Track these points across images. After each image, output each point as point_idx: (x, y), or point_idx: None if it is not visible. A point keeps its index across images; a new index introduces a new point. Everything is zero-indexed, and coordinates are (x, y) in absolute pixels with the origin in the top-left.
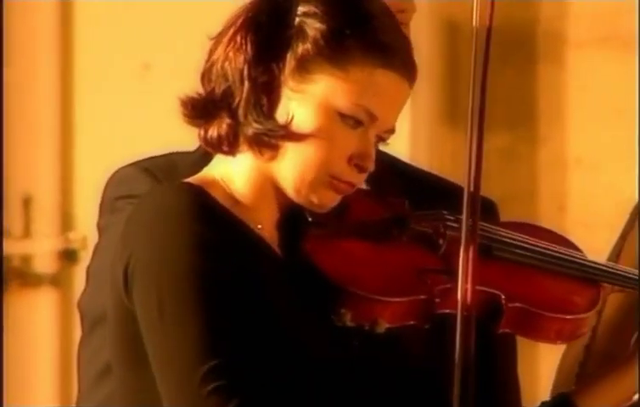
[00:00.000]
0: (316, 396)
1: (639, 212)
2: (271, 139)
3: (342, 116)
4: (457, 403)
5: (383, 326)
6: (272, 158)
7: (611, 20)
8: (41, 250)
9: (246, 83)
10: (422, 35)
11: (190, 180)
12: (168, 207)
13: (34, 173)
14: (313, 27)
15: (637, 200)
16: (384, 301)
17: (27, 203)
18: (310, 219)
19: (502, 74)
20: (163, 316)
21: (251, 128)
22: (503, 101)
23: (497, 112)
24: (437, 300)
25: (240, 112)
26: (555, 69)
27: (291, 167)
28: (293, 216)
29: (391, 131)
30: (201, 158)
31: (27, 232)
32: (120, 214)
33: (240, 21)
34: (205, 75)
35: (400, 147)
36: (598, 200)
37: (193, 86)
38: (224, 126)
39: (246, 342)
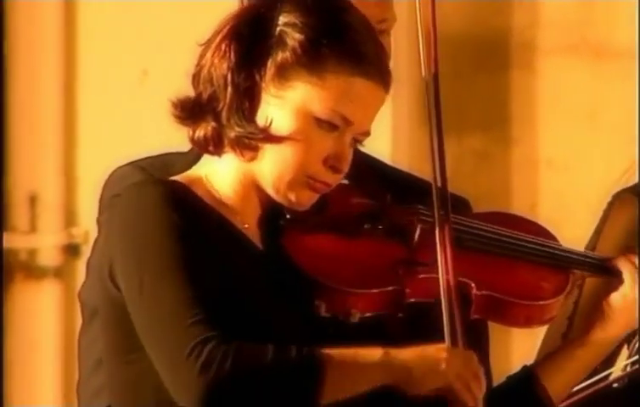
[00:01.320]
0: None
1: None
2: (251, 141)
3: (318, 121)
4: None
5: (356, 316)
6: (253, 158)
7: (580, 29)
8: (45, 245)
9: (229, 88)
10: (402, 42)
11: (176, 177)
12: (147, 198)
13: (39, 172)
14: (292, 37)
15: (605, 199)
16: (357, 293)
17: (33, 200)
18: (288, 216)
19: (477, 79)
20: (143, 293)
21: (233, 131)
22: (478, 104)
23: (472, 115)
24: (408, 290)
25: (224, 115)
26: (527, 75)
27: (270, 168)
28: (273, 213)
29: (366, 133)
30: (196, 158)
31: (33, 228)
32: None
33: (226, 30)
34: (195, 79)
35: (381, 147)
36: (568, 199)
37: (187, 91)
38: (209, 128)
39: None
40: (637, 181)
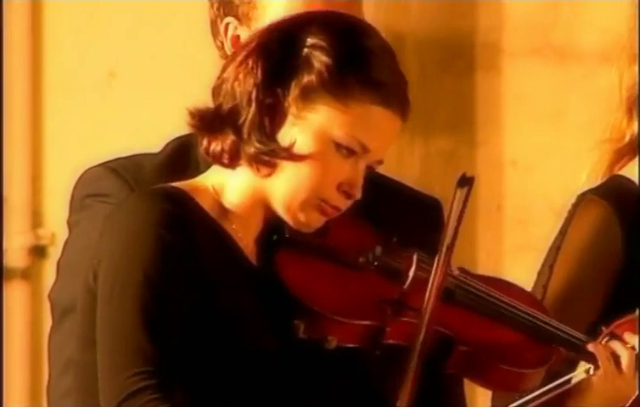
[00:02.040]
0: (262, 398)
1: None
2: (270, 159)
3: (337, 145)
4: None
5: (333, 342)
6: (269, 175)
7: (544, 32)
8: (12, 246)
9: (253, 105)
10: None
11: (179, 184)
12: (139, 209)
13: (6, 175)
14: (319, 60)
15: (569, 200)
16: (339, 321)
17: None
18: (287, 235)
19: (443, 81)
20: (111, 301)
21: (253, 147)
22: (444, 106)
23: (439, 116)
24: (389, 330)
25: (244, 130)
26: (492, 77)
27: (285, 186)
28: (272, 230)
29: (380, 161)
30: (166, 158)
31: None
32: (88, 211)
33: (253, 45)
34: (215, 91)
35: None
36: (532, 200)
37: (154, 94)
38: (228, 141)
39: (187, 344)
40: (600, 182)
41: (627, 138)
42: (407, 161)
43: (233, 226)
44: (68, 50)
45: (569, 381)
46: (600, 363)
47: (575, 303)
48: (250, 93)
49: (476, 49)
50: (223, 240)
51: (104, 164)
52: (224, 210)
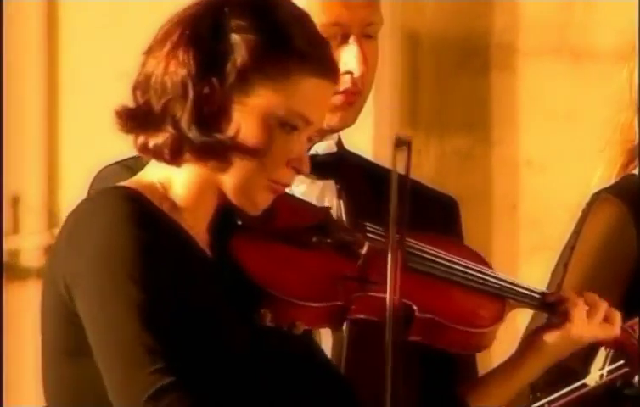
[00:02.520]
0: (235, 391)
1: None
2: (217, 150)
3: (281, 124)
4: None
5: (300, 327)
6: (217, 168)
7: (559, 32)
8: (28, 245)
9: (189, 97)
10: (385, 45)
11: (127, 183)
12: (108, 213)
13: (22, 174)
14: (246, 41)
15: (583, 198)
16: (303, 305)
17: (16, 201)
18: (239, 222)
19: (458, 81)
20: (106, 316)
21: (197, 141)
22: (459, 106)
23: (454, 116)
24: (353, 307)
25: (184, 125)
26: (507, 77)
27: (234, 174)
28: (223, 218)
29: (320, 131)
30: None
31: (16, 229)
32: None
33: (178, 35)
34: (139, 87)
35: (364, 145)
36: (547, 199)
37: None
38: (168, 137)
39: (181, 337)
40: (614, 181)
41: (639, 138)
42: (423, 160)
43: (185, 220)
44: (84, 50)
45: (583, 385)
46: (572, 313)
47: None
48: (185, 85)
49: (491, 49)
50: (179, 235)
51: (121, 163)
52: (174, 205)
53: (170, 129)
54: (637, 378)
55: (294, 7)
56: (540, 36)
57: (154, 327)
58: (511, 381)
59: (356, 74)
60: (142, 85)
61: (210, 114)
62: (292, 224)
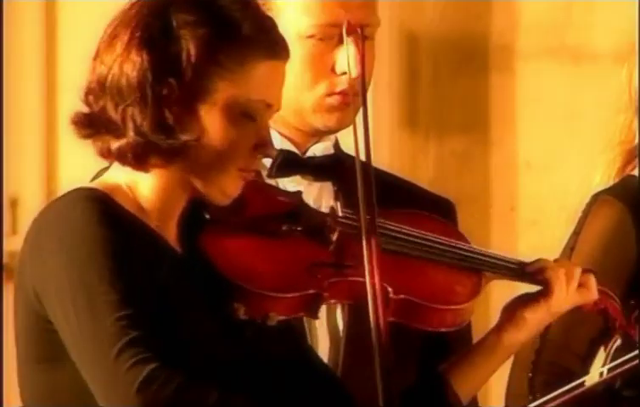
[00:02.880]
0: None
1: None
2: (183, 151)
3: (243, 113)
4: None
5: (274, 319)
6: (185, 166)
7: (558, 33)
8: None
9: (149, 100)
10: (383, 46)
11: (92, 185)
12: (74, 215)
13: (21, 176)
14: (195, 36)
15: (583, 200)
16: (276, 297)
17: (14, 203)
18: (207, 216)
19: (457, 82)
20: (78, 314)
21: (163, 144)
22: (458, 107)
23: (453, 117)
24: (326, 294)
25: (146, 130)
26: (506, 78)
27: (203, 169)
28: (191, 213)
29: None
30: None
31: (15, 230)
32: None
33: (128, 38)
34: (92, 93)
35: (362, 148)
36: (546, 200)
37: None
38: (130, 142)
39: (153, 323)
40: (614, 182)
41: (638, 139)
42: (421, 162)
43: (152, 220)
44: (82, 50)
45: (582, 384)
46: (551, 282)
47: None
48: (143, 89)
49: (490, 50)
50: (145, 234)
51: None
52: (141, 207)
53: (132, 135)
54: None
55: None
56: (538, 37)
57: (129, 319)
58: (493, 355)
59: (353, 75)
60: (94, 90)
61: (172, 115)
62: (261, 213)
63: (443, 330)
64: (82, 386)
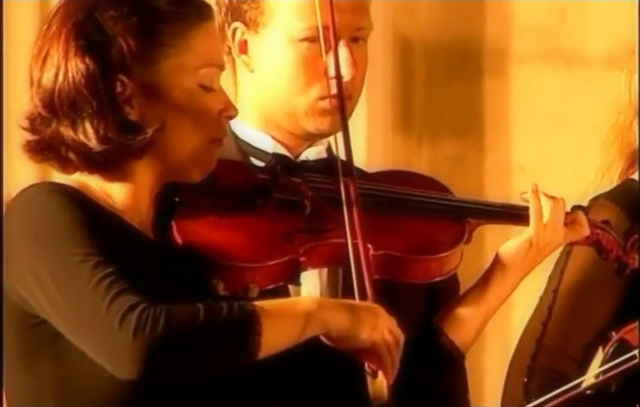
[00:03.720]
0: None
1: None
2: (153, 142)
3: (199, 85)
4: None
5: (255, 290)
6: (156, 155)
7: (552, 37)
8: None
9: (106, 103)
10: (377, 50)
11: (67, 182)
12: (45, 206)
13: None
14: (127, 28)
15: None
16: (252, 267)
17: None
18: (177, 199)
19: (451, 86)
20: (60, 291)
21: (133, 142)
22: (452, 111)
23: (447, 121)
24: (303, 259)
25: (112, 134)
26: (500, 82)
27: (175, 152)
28: (161, 199)
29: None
30: None
31: None
32: None
33: (63, 51)
34: (37, 120)
35: (357, 152)
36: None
37: None
38: (99, 151)
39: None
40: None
41: (638, 142)
42: (415, 166)
43: (125, 213)
44: None
45: (578, 385)
46: (532, 218)
47: (585, 308)
48: (97, 94)
49: (484, 54)
50: (118, 225)
51: None
52: (112, 201)
53: (97, 144)
54: (636, 352)
55: None
56: (532, 41)
57: (109, 276)
58: (482, 302)
59: (346, 78)
60: (40, 116)
61: (133, 110)
62: (233, 189)
63: (431, 281)
64: (63, 383)
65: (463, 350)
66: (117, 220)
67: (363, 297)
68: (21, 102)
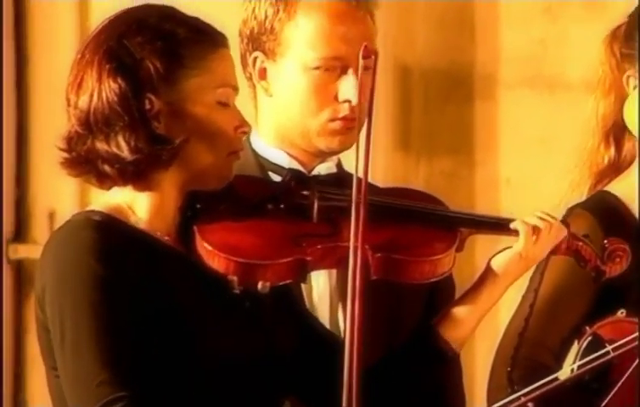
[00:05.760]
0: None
1: None
2: (178, 153)
3: (219, 103)
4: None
5: (266, 286)
6: (181, 166)
7: (536, 65)
8: None
9: (137, 118)
10: (379, 77)
11: (100, 207)
12: (72, 244)
13: (57, 190)
14: (153, 52)
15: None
16: (264, 264)
17: (52, 216)
18: (198, 205)
19: (445, 108)
20: (64, 343)
21: (162, 152)
22: (447, 131)
23: (441, 141)
24: (310, 259)
25: (142, 144)
26: (489, 105)
27: (197, 163)
28: (185, 206)
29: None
30: None
31: None
32: None
33: (97, 75)
34: (73, 139)
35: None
36: (525, 214)
37: None
38: (131, 160)
39: (140, 362)
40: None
41: (606, 161)
42: (413, 180)
43: (154, 228)
44: None
45: (555, 379)
46: (521, 234)
47: (563, 306)
48: (129, 111)
49: (475, 80)
50: (151, 245)
51: None
52: (142, 219)
53: (129, 155)
54: (608, 346)
55: (157, 6)
56: (518, 68)
57: (108, 383)
58: (475, 307)
59: (354, 102)
60: (77, 134)
61: (160, 124)
62: (248, 197)
63: (426, 281)
64: None
65: (458, 349)
66: (145, 238)
67: (353, 300)
68: (41, 119)
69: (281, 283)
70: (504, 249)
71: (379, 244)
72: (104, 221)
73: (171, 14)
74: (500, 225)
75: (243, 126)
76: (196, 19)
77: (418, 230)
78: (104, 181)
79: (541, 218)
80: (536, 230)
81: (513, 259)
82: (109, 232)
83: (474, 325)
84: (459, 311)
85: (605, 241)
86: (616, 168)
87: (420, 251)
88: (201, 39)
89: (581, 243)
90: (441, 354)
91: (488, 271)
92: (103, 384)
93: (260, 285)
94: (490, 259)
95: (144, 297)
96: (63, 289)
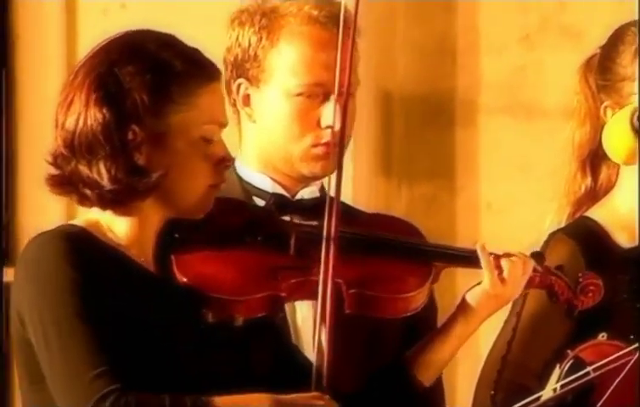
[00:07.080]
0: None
1: None
2: (156, 185)
3: (202, 138)
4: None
5: (239, 319)
6: (159, 197)
7: (514, 92)
8: None
9: (118, 148)
10: (361, 101)
11: (75, 221)
12: (47, 255)
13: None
14: (141, 84)
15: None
16: (239, 300)
17: None
18: (176, 235)
19: (426, 134)
20: (50, 349)
21: (139, 184)
22: (427, 156)
23: (422, 165)
24: (284, 294)
25: (121, 175)
26: (469, 131)
27: (177, 196)
28: (163, 233)
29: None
30: None
31: None
32: None
33: (84, 101)
34: (59, 158)
35: (344, 191)
36: (504, 238)
37: None
38: (109, 189)
39: (122, 354)
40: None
41: (583, 190)
42: (395, 204)
43: (129, 249)
44: None
45: (538, 398)
46: (486, 272)
47: (545, 328)
48: (111, 140)
49: (456, 106)
50: (125, 264)
51: None
52: (117, 239)
53: (109, 184)
54: (590, 369)
55: (156, 33)
56: (497, 95)
57: (94, 338)
58: (447, 344)
59: (336, 128)
60: (63, 155)
61: (141, 156)
62: (226, 227)
63: (400, 316)
64: None
65: (429, 385)
66: (119, 259)
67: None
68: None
69: (253, 316)
70: (479, 283)
71: (353, 280)
72: (78, 233)
73: (171, 43)
74: (474, 260)
75: (226, 160)
76: (195, 51)
77: (392, 263)
78: (85, 202)
79: (506, 256)
80: (498, 266)
81: (482, 296)
82: (82, 242)
83: (445, 362)
84: (430, 351)
85: (580, 274)
86: (593, 196)
87: (394, 287)
88: (196, 73)
89: (554, 278)
90: (412, 390)
91: (462, 306)
92: (95, 379)
93: (234, 319)
94: (465, 293)
95: (115, 304)
96: (42, 297)
